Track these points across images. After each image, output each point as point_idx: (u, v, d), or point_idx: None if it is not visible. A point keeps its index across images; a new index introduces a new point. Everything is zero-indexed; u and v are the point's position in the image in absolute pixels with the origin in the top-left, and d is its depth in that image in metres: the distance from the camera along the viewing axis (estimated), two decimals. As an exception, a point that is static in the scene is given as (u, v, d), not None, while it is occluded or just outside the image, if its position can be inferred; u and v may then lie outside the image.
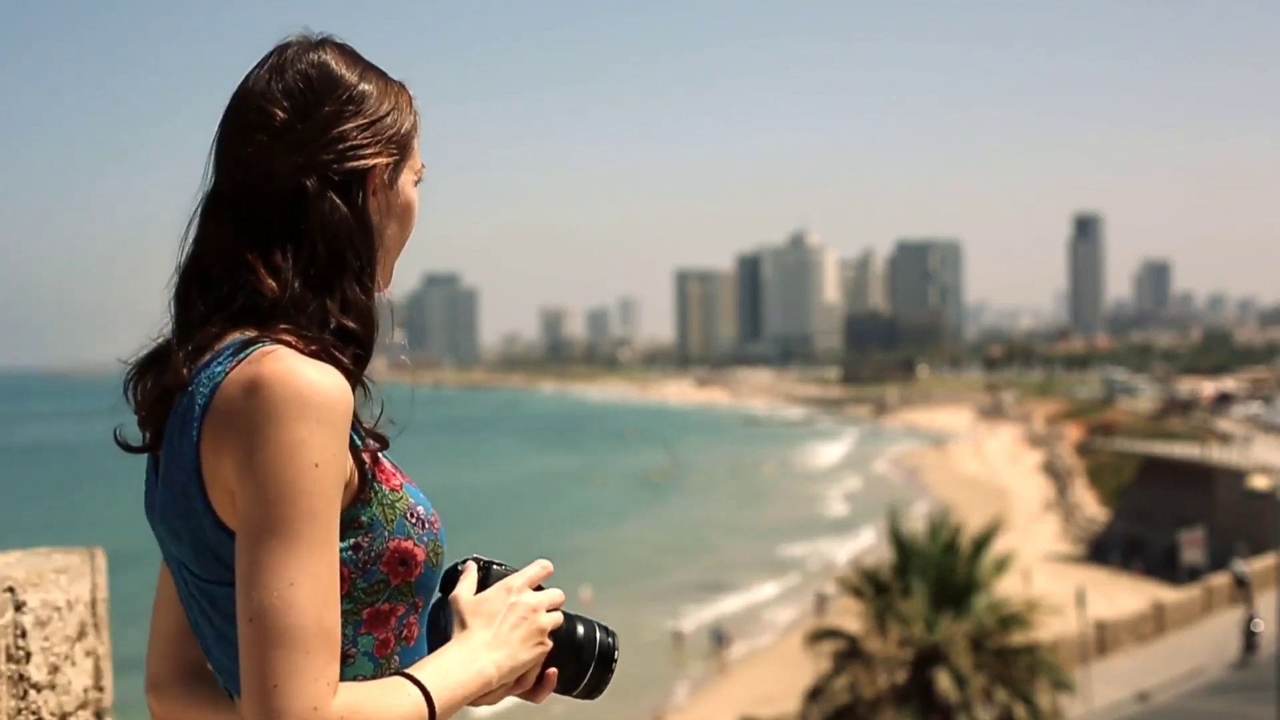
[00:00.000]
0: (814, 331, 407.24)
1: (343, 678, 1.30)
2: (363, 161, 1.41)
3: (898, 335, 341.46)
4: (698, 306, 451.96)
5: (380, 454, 1.41)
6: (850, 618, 23.66)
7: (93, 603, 2.49)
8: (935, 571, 22.18)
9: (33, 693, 2.26)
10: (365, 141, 1.42)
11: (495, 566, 1.53)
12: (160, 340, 1.46)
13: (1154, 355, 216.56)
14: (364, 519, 1.35)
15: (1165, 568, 45.98)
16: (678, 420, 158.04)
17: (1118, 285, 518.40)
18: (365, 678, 1.36)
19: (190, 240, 1.44)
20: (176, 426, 1.35)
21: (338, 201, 1.39)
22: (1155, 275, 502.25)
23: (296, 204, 1.38)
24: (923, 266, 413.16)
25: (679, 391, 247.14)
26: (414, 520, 1.39)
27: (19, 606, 2.24)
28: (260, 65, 1.44)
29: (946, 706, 20.60)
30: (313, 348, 1.33)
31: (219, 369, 1.32)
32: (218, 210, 1.42)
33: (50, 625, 2.32)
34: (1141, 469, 59.11)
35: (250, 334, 1.35)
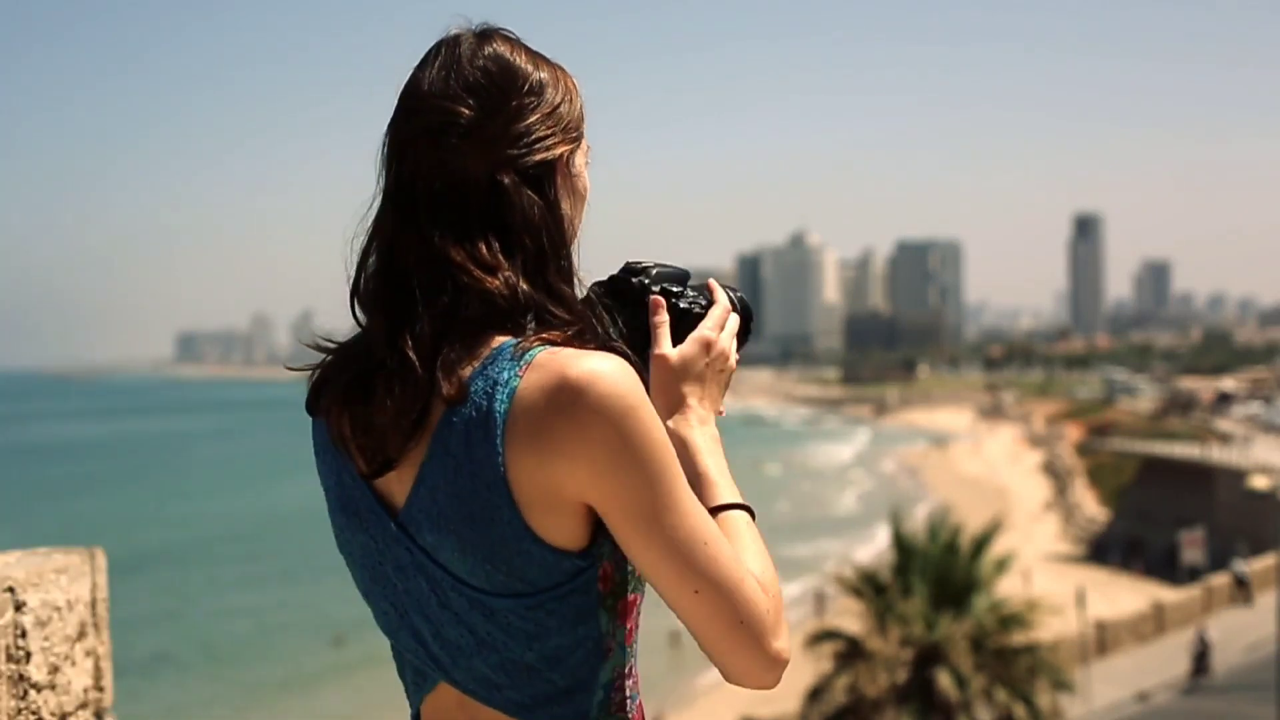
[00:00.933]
0: (814, 331, 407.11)
1: (602, 668, 1.38)
2: (550, 153, 1.41)
3: (898, 335, 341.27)
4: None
5: None
6: (850, 618, 23.65)
7: (93, 603, 2.49)
8: (935, 571, 22.17)
9: (33, 693, 2.26)
10: (549, 132, 1.41)
11: (683, 305, 1.54)
12: (329, 352, 1.43)
13: (1154, 355, 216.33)
14: None
15: (1165, 568, 45.95)
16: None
17: (1118, 285, 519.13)
18: (620, 669, 1.41)
19: (377, 249, 1.40)
20: (458, 439, 1.32)
21: (533, 195, 1.39)
22: (1155, 275, 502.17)
23: (495, 201, 1.37)
24: (923, 266, 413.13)
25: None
26: None
27: (19, 606, 2.23)
28: (429, 64, 1.42)
29: (947, 706, 20.60)
30: (590, 343, 1.35)
31: (506, 375, 1.31)
32: (410, 216, 1.38)
33: (50, 625, 2.31)
34: (1141, 469, 59.09)
35: (511, 339, 1.33)
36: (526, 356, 1.31)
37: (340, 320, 1.45)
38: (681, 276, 1.56)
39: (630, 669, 1.44)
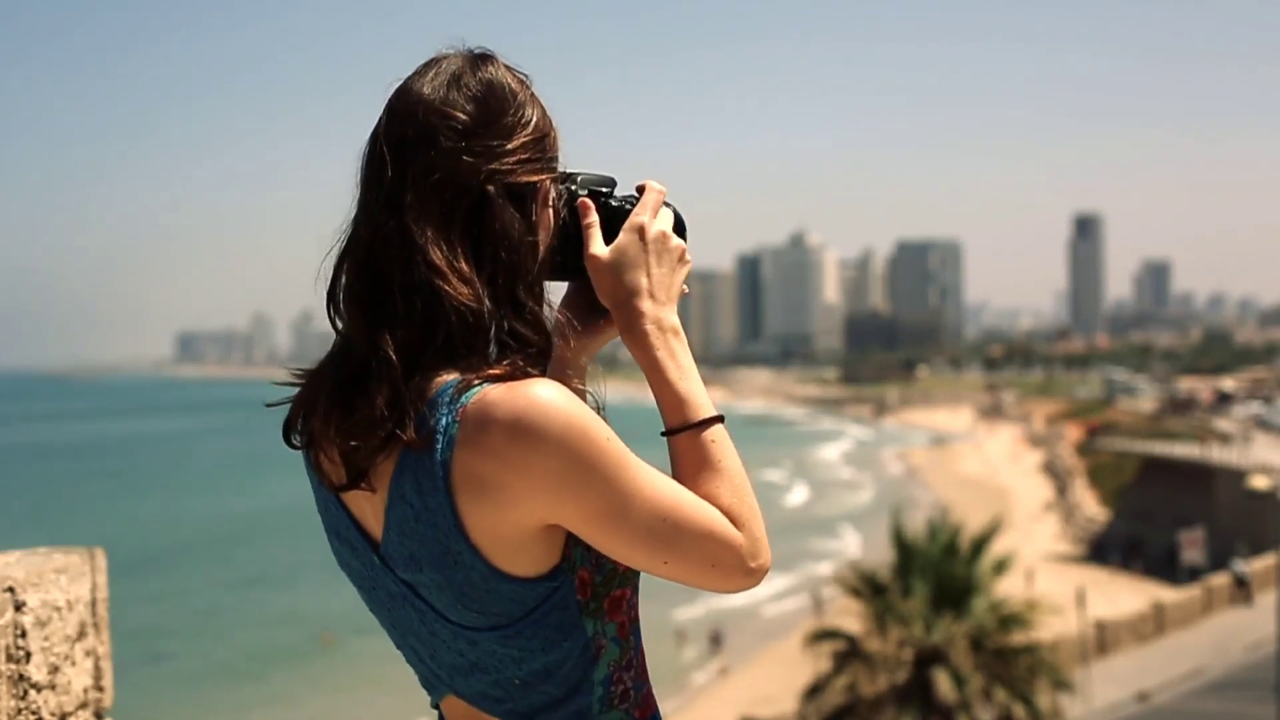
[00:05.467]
0: (814, 331, 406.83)
1: (596, 667, 1.41)
2: (534, 176, 1.44)
3: (898, 335, 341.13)
4: (698, 306, 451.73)
5: None
6: (850, 618, 23.65)
7: (93, 603, 2.49)
8: (935, 572, 22.17)
9: (33, 693, 2.26)
10: (536, 156, 1.45)
11: (613, 202, 1.52)
12: (299, 380, 1.46)
13: (1154, 355, 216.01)
14: None
15: (1165, 568, 45.98)
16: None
17: (1118, 285, 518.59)
18: (616, 663, 1.43)
19: (361, 246, 1.40)
20: (411, 486, 1.34)
21: (514, 212, 1.41)
22: (1155, 275, 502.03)
23: (479, 211, 1.39)
24: (923, 266, 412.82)
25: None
26: None
27: (19, 606, 2.24)
28: (424, 74, 1.44)
29: (946, 707, 20.60)
30: (530, 370, 1.36)
31: (445, 421, 1.31)
32: (397, 212, 1.38)
33: (50, 625, 2.31)
34: (1141, 469, 59.12)
35: (456, 377, 1.34)
36: (463, 399, 1.32)
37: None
38: (608, 181, 1.56)
39: (629, 660, 1.45)
